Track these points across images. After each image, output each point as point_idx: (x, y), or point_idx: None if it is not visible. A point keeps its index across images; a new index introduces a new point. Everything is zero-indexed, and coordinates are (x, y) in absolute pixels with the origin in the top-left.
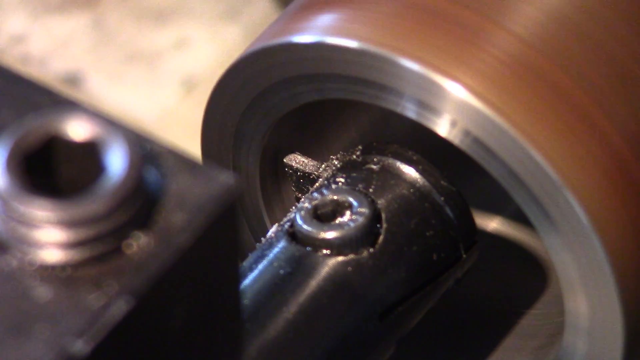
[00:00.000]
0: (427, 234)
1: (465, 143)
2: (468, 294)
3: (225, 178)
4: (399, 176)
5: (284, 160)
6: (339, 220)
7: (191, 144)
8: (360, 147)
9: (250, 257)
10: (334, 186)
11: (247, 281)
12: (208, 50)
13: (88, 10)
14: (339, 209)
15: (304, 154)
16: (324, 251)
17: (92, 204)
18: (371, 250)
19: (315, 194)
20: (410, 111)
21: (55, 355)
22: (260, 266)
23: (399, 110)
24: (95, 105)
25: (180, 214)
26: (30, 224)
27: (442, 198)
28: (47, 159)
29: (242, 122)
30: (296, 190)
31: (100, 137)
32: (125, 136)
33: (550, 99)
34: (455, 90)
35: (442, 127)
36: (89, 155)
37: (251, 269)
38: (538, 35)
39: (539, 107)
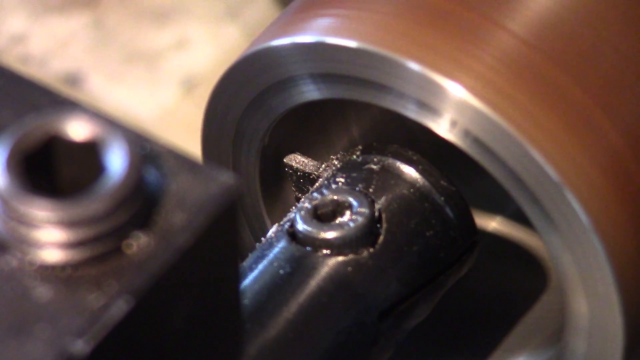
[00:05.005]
0: (427, 234)
1: (465, 143)
2: (468, 294)
3: (225, 178)
4: (399, 176)
5: (284, 160)
6: (339, 220)
7: (191, 144)
8: (360, 147)
9: (250, 257)
10: (334, 186)
11: (247, 281)
12: (208, 50)
13: (88, 10)
14: (339, 209)
15: (304, 154)
16: (324, 251)
17: (92, 204)
18: (371, 250)
19: (315, 194)
20: (410, 111)
21: (55, 355)
22: (260, 266)
23: (399, 110)
24: (95, 105)
25: (180, 214)
26: (30, 224)
27: (442, 198)
28: (47, 159)
29: (242, 122)
30: (296, 190)
31: (100, 137)
32: (125, 136)
33: (550, 99)
34: (455, 90)
35: (442, 127)
36: (89, 155)
37: (251, 269)
38: (538, 35)
39: (539, 107)
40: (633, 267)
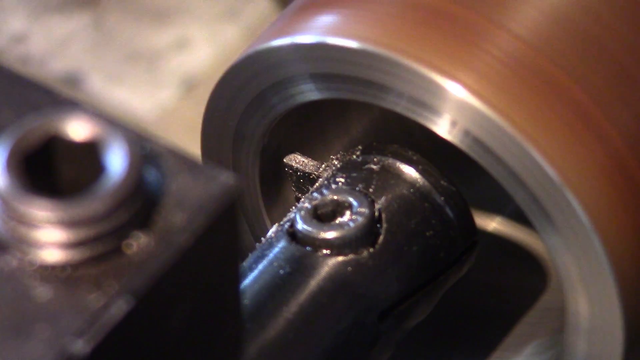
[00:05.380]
0: (427, 234)
1: (465, 143)
2: (468, 293)
3: (225, 178)
4: (399, 176)
5: (284, 160)
6: (339, 220)
7: (191, 144)
8: (360, 147)
9: (250, 257)
10: (334, 186)
11: (247, 281)
12: (208, 50)
13: (88, 10)
14: (339, 209)
15: (304, 154)
16: (324, 251)
17: (92, 204)
18: (371, 250)
19: (315, 194)
20: (411, 111)
21: (55, 355)
22: (260, 266)
23: (399, 110)
24: (95, 105)
25: (180, 214)
26: (30, 224)
27: (442, 198)
28: (47, 159)
29: (242, 122)
30: (296, 190)
31: (100, 137)
32: (125, 136)
33: (550, 99)
34: (455, 90)
35: (442, 127)
36: (89, 155)
37: (251, 269)
38: (538, 35)
39: (539, 107)
40: (633, 267)
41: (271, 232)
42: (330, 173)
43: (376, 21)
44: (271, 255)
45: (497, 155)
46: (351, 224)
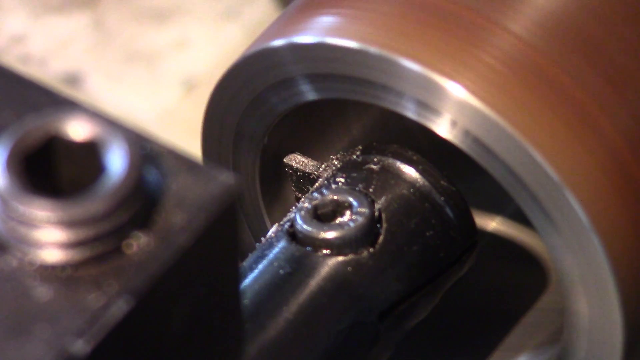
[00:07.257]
0: (427, 234)
1: (465, 143)
2: (468, 294)
3: (225, 178)
4: (399, 176)
5: (284, 160)
6: (339, 220)
7: (191, 144)
8: (360, 147)
9: (250, 257)
10: (334, 186)
11: (247, 281)
12: (208, 50)
13: (88, 10)
14: (339, 209)
15: (304, 154)
16: (324, 251)
17: (92, 204)
18: (371, 250)
19: (315, 194)
20: (410, 111)
21: (55, 355)
22: (260, 266)
23: (399, 110)
24: (95, 105)
25: (180, 214)
26: (30, 224)
27: (442, 198)
28: (47, 159)
29: (242, 122)
30: (296, 190)
31: (100, 137)
32: (125, 136)
33: (550, 99)
34: (455, 90)
35: (442, 127)
36: (89, 155)
37: (251, 269)
38: (538, 35)
39: (539, 107)
40: (633, 267)
41: (271, 232)
42: (330, 173)
43: (376, 21)
44: (271, 255)
45: (497, 155)
46: (351, 224)
